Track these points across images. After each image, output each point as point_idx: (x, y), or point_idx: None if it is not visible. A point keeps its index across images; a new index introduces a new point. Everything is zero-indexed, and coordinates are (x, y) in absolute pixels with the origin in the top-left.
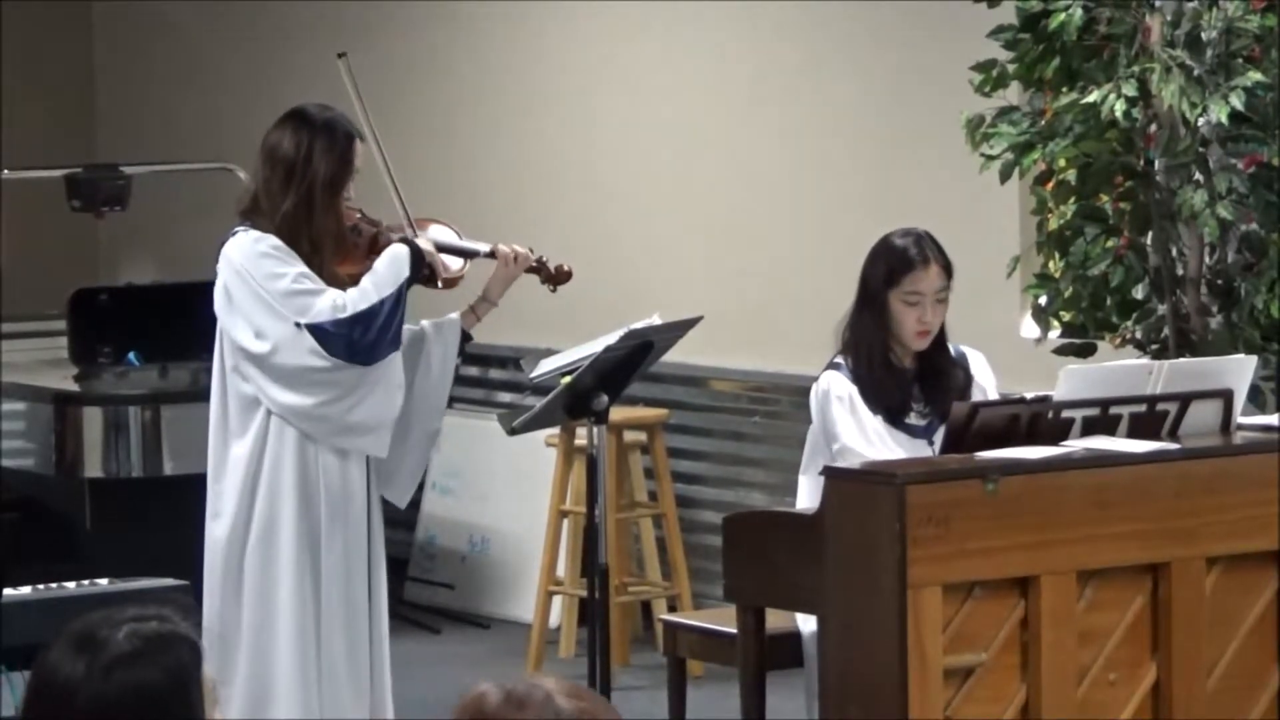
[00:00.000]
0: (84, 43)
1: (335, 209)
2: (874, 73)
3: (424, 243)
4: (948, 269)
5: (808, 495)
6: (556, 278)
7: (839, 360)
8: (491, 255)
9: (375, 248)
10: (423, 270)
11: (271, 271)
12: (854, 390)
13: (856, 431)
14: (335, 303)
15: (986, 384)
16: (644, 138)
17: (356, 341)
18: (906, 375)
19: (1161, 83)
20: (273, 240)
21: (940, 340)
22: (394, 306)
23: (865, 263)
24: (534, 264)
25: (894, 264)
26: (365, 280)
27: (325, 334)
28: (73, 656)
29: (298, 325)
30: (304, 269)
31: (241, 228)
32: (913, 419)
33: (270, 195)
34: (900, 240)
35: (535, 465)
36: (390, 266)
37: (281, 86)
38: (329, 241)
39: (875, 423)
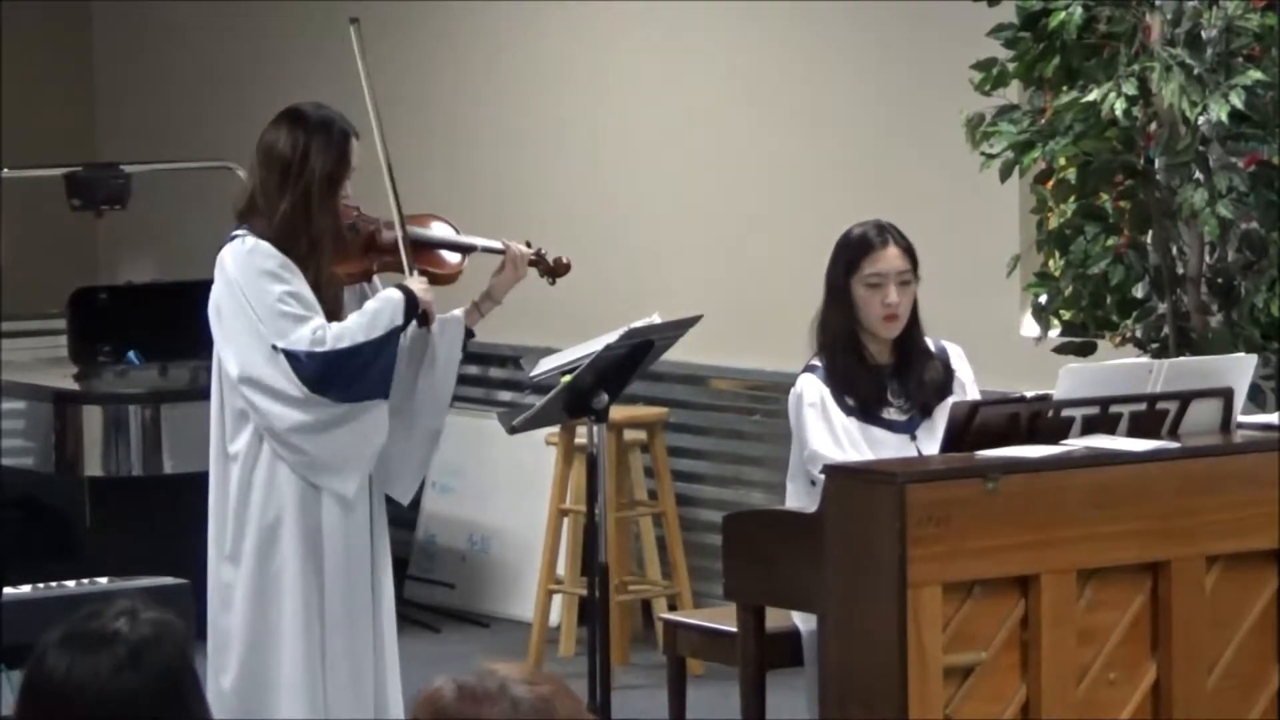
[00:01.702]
0: (84, 43)
1: (333, 208)
2: (874, 72)
3: (416, 284)
4: (909, 252)
5: (795, 500)
6: (555, 270)
7: (815, 362)
8: (497, 250)
9: (373, 245)
10: (415, 316)
11: (262, 288)
12: (826, 392)
13: (827, 436)
14: (315, 334)
15: (965, 379)
16: (645, 137)
17: (326, 377)
18: (882, 371)
19: (1161, 81)
20: (266, 250)
21: (916, 333)
22: (377, 351)
23: (830, 257)
24: (532, 257)
25: (853, 250)
26: (353, 318)
27: (298, 362)
28: (85, 657)
29: (274, 348)
30: (294, 288)
31: (240, 231)
32: (891, 414)
33: (267, 195)
34: (859, 228)
35: (535, 464)
36: (381, 311)
37: (281, 85)
38: (327, 240)
39: (849, 424)
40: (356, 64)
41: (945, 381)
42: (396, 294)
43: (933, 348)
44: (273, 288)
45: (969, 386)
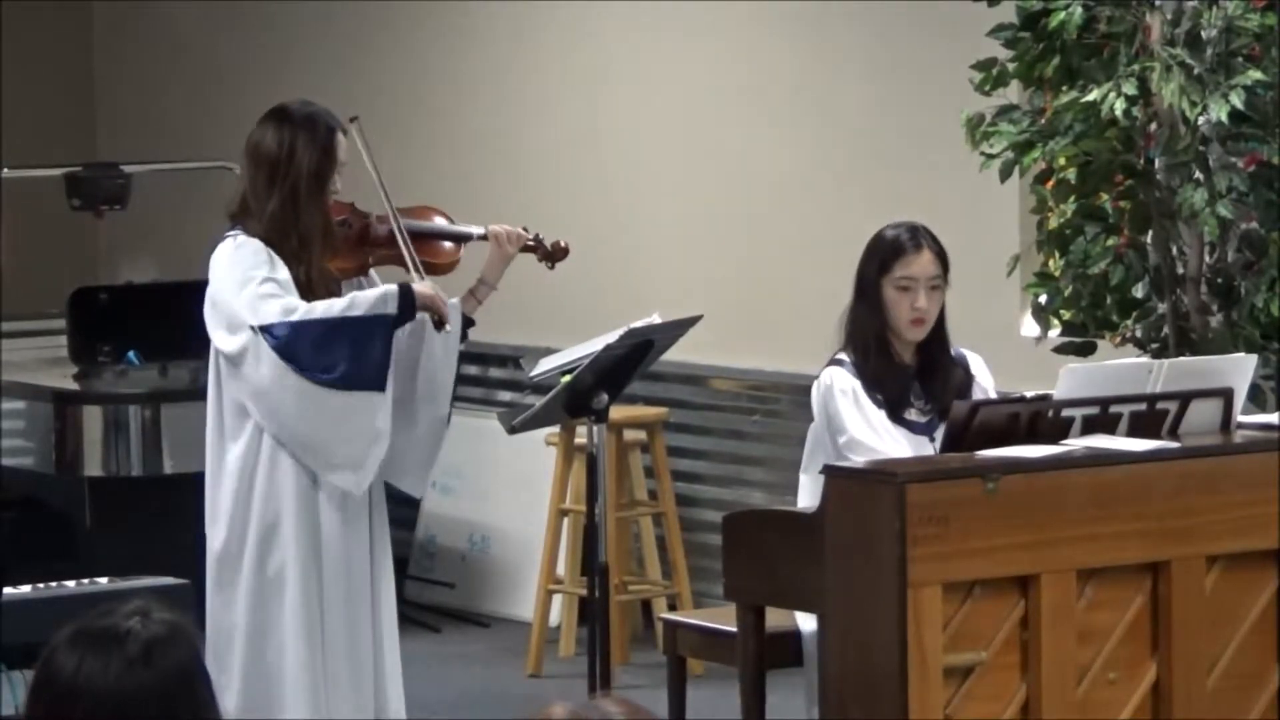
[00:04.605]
0: (84, 43)
1: (321, 203)
2: (874, 72)
3: (421, 286)
4: (942, 258)
5: (809, 493)
6: (554, 254)
7: (841, 356)
8: (484, 238)
9: (366, 239)
10: (413, 313)
11: (244, 276)
12: (858, 384)
13: (864, 424)
14: (287, 305)
15: (986, 385)
16: (645, 137)
17: (294, 344)
18: (906, 370)
19: (1161, 81)
20: (254, 245)
21: (941, 338)
22: (355, 330)
23: (862, 255)
24: (530, 242)
25: (886, 252)
26: (335, 300)
27: (271, 335)
28: (96, 654)
29: (253, 329)
30: (276, 274)
31: (231, 232)
32: (913, 415)
33: (256, 194)
34: (893, 230)
35: (535, 464)
36: (367, 296)
37: (281, 86)
38: (317, 236)
39: (880, 416)
40: (364, 161)
41: (965, 387)
42: (392, 286)
43: (953, 354)
44: (255, 273)
45: (990, 395)
